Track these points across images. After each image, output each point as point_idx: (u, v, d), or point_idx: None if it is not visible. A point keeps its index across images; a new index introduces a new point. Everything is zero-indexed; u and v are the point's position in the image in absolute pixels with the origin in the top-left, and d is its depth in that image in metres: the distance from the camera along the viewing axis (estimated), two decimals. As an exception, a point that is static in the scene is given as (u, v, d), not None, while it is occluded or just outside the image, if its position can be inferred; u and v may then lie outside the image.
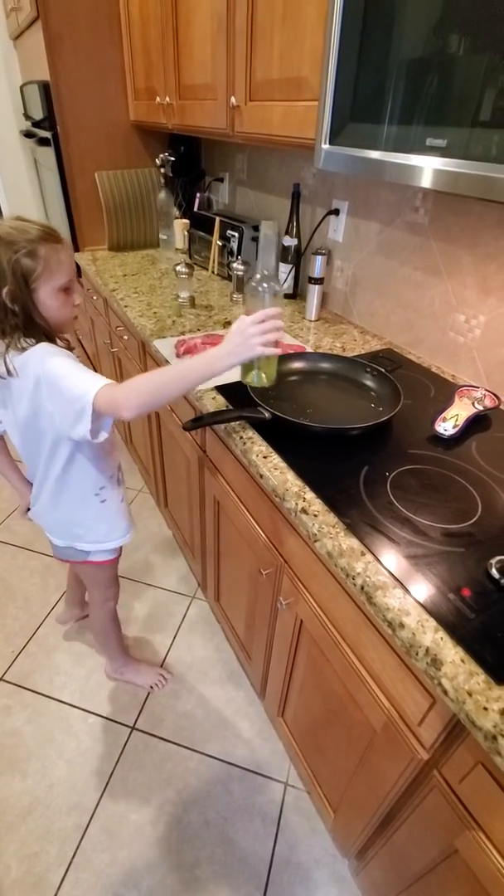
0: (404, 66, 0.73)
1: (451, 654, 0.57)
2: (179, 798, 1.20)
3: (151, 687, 1.39)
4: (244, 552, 1.11)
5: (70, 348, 0.90)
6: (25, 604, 1.63)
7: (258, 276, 0.87)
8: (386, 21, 0.74)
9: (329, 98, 0.85)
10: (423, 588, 0.64)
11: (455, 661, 0.56)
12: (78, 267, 1.96)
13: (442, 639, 0.58)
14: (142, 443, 1.84)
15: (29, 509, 1.11)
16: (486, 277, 1.06)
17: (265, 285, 0.86)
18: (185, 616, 1.62)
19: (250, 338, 0.81)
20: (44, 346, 0.83)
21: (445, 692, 0.55)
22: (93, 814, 1.16)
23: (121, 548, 1.13)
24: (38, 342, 0.83)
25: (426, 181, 0.73)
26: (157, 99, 1.60)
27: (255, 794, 1.21)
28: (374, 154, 0.80)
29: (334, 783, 0.98)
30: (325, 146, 0.89)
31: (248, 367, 0.93)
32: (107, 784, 1.21)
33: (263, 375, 0.94)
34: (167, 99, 1.54)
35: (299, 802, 1.20)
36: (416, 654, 0.58)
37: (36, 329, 0.83)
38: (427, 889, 0.76)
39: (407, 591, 0.64)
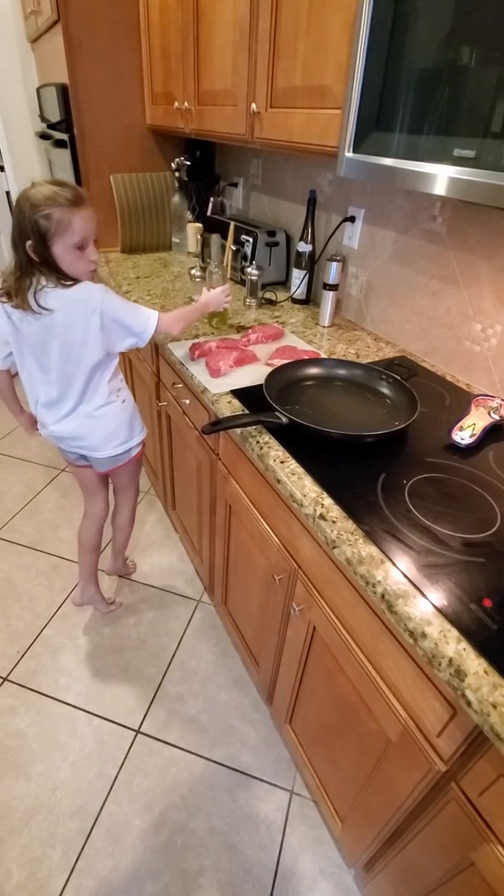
0: (432, 76, 0.73)
1: (475, 665, 0.56)
2: (184, 804, 1.19)
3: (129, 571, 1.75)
4: (256, 557, 1.11)
5: None
6: (31, 604, 1.62)
7: (213, 264, 1.36)
8: (414, 32, 0.74)
9: (354, 107, 0.85)
10: (444, 598, 0.64)
11: (479, 673, 0.55)
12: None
13: (465, 649, 0.58)
14: (150, 445, 1.84)
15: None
16: (503, 287, 1.06)
17: (216, 271, 1.34)
18: (190, 620, 1.61)
19: (220, 298, 1.27)
20: (88, 285, 1.03)
21: (469, 704, 0.54)
22: (96, 818, 1.15)
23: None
24: (76, 282, 1.02)
25: (453, 191, 0.73)
26: (176, 104, 1.61)
27: (261, 801, 1.20)
28: (399, 163, 0.81)
29: (344, 792, 0.97)
30: (349, 154, 0.90)
31: (211, 316, 1.40)
32: (111, 788, 1.20)
33: (217, 321, 1.42)
34: (186, 104, 1.55)
35: (305, 811, 1.19)
36: (439, 664, 0.58)
37: (64, 275, 1.01)
38: (439, 903, 0.75)
39: (428, 600, 0.63)
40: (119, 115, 1.87)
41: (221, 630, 1.58)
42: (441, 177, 0.74)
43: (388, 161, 0.82)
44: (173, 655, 1.50)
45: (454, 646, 0.58)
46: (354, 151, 0.88)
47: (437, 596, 0.64)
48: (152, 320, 1.11)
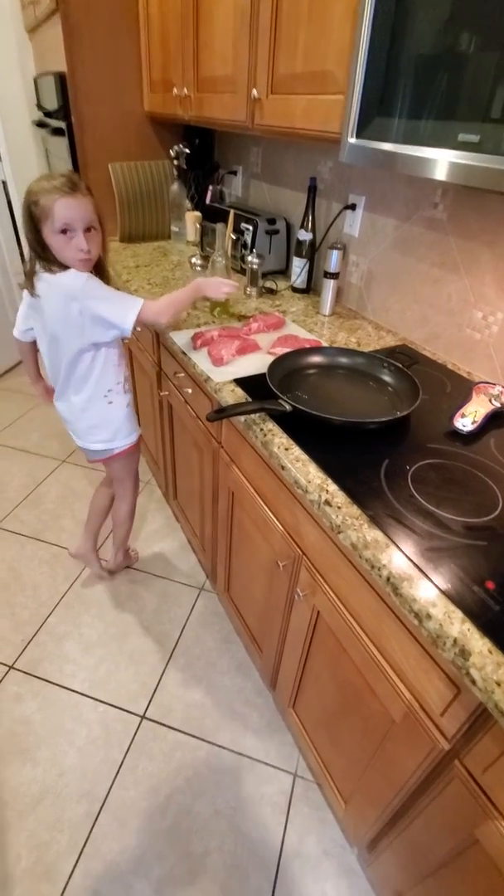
0: (435, 61, 0.73)
1: (479, 644, 0.57)
2: (189, 787, 1.21)
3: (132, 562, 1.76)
4: (259, 544, 1.11)
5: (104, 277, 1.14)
6: (34, 593, 1.63)
7: (217, 253, 1.37)
8: (416, 16, 0.74)
9: (357, 92, 0.85)
10: (447, 580, 0.65)
11: (483, 652, 0.56)
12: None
13: (469, 630, 0.59)
14: (151, 435, 1.84)
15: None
16: (505, 274, 1.06)
17: (220, 260, 1.37)
18: (193, 607, 1.62)
19: (220, 286, 1.21)
20: (73, 272, 1.06)
21: (474, 682, 0.55)
22: (103, 802, 1.17)
23: (138, 441, 1.40)
24: (65, 269, 1.06)
25: (457, 177, 0.73)
26: (175, 91, 1.59)
27: (265, 784, 1.22)
28: (402, 149, 0.80)
29: (347, 774, 0.99)
30: (352, 140, 0.89)
31: (213, 306, 1.39)
32: (117, 772, 1.22)
33: (219, 312, 1.41)
34: (185, 91, 1.54)
35: (308, 793, 1.21)
36: (444, 644, 0.59)
37: (55, 261, 1.05)
38: (444, 881, 0.77)
39: (432, 582, 0.64)
40: (117, 102, 1.85)
41: (224, 617, 1.59)
42: (445, 162, 0.74)
43: (391, 147, 0.82)
44: (177, 642, 1.52)
45: (458, 626, 0.59)
46: (357, 137, 0.88)
47: (441, 578, 0.65)
48: (130, 314, 1.09)
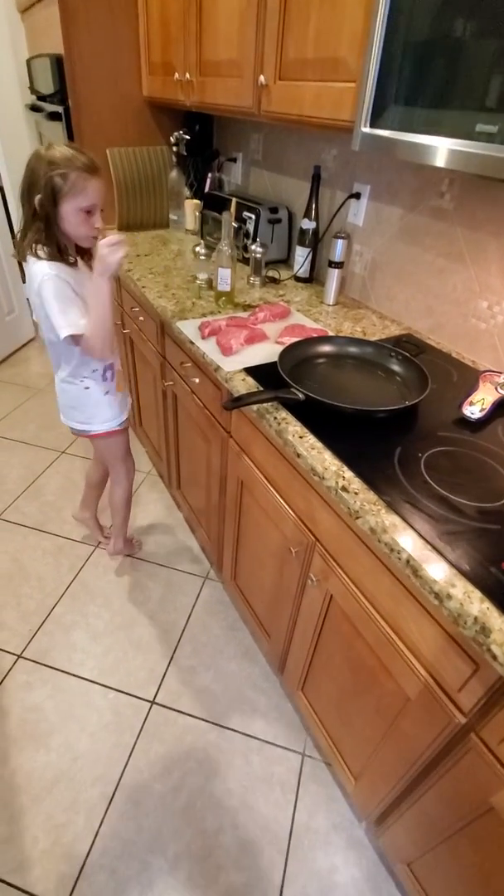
0: (455, 50, 0.73)
1: (499, 622, 0.60)
2: (201, 769, 1.23)
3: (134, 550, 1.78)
4: (270, 532, 1.13)
5: (73, 263, 1.10)
6: (40, 583, 1.64)
7: (224, 242, 1.30)
8: (436, 3, 0.74)
9: (371, 80, 0.85)
10: (465, 562, 0.67)
11: (503, 629, 0.59)
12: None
13: (488, 608, 0.61)
14: (154, 426, 1.84)
15: None
16: (511, 264, 1.07)
17: (226, 249, 1.30)
18: (198, 596, 1.64)
19: (106, 256, 1.03)
20: (46, 266, 1.04)
21: (495, 657, 0.58)
22: (117, 784, 1.20)
23: (125, 425, 1.41)
24: (49, 255, 1.04)
25: (476, 167, 0.74)
26: (176, 75, 1.57)
27: (274, 764, 1.25)
28: (418, 138, 0.81)
29: (358, 752, 1.02)
30: (365, 129, 0.90)
31: (218, 296, 1.39)
32: (129, 756, 1.25)
33: (224, 301, 1.40)
34: (187, 75, 1.52)
35: (317, 772, 1.25)
36: (465, 622, 0.61)
37: (52, 239, 1.04)
38: (455, 848, 0.81)
39: (451, 564, 0.67)
40: (115, 86, 1.82)
41: (229, 605, 1.62)
42: (462, 152, 0.75)
43: (406, 136, 0.83)
44: (183, 630, 1.54)
45: (478, 605, 0.62)
46: (371, 126, 0.88)
47: (459, 560, 0.67)
48: (64, 331, 1.07)
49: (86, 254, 1.15)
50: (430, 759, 0.80)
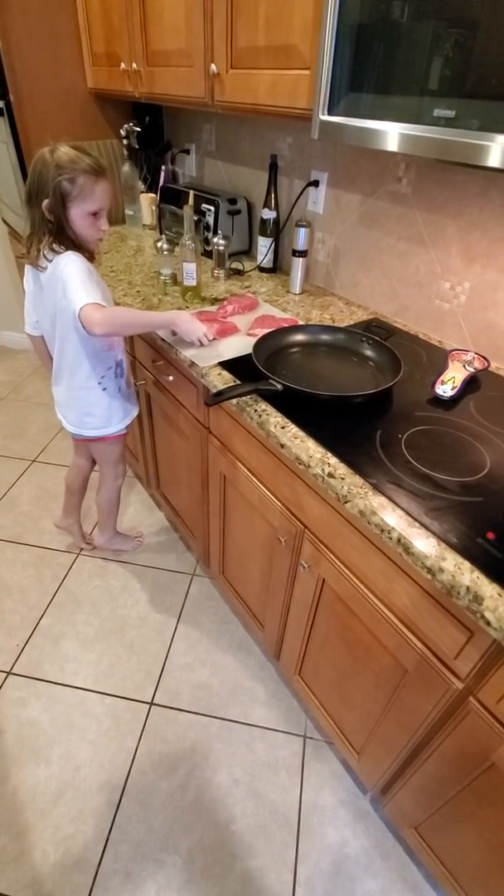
0: (411, 35, 0.75)
1: (489, 589, 0.63)
2: (206, 762, 1.25)
3: (134, 547, 1.76)
4: (257, 523, 1.14)
5: (92, 259, 1.12)
6: (23, 596, 1.60)
7: (186, 237, 1.30)
8: (385, -11, 0.75)
9: (327, 67, 0.86)
10: (452, 535, 0.70)
11: (493, 596, 0.62)
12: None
13: (478, 578, 0.64)
14: (127, 426, 1.81)
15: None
16: (470, 245, 1.11)
17: (189, 243, 1.29)
18: (187, 594, 1.64)
19: (196, 333, 1.13)
20: (71, 253, 1.04)
21: (489, 623, 0.61)
22: (123, 789, 1.19)
23: (127, 427, 1.40)
24: (67, 249, 1.04)
25: (434, 152, 0.76)
26: (122, 65, 1.53)
27: (278, 749, 1.28)
28: (377, 125, 0.82)
29: (359, 728, 1.05)
30: (323, 117, 0.90)
31: (184, 290, 1.40)
32: (133, 759, 1.24)
33: (191, 296, 1.41)
34: (133, 65, 1.48)
35: (319, 751, 1.28)
36: (458, 593, 0.64)
37: (65, 239, 1.05)
38: (459, 806, 0.85)
39: (440, 538, 0.69)
40: (58, 79, 1.76)
41: (219, 600, 1.62)
42: (424, 137, 0.76)
43: (367, 123, 0.84)
44: (175, 629, 1.54)
45: (469, 575, 0.64)
46: (329, 114, 0.89)
47: (447, 534, 0.70)
48: (80, 302, 1.00)
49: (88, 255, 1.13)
50: (430, 726, 0.83)
